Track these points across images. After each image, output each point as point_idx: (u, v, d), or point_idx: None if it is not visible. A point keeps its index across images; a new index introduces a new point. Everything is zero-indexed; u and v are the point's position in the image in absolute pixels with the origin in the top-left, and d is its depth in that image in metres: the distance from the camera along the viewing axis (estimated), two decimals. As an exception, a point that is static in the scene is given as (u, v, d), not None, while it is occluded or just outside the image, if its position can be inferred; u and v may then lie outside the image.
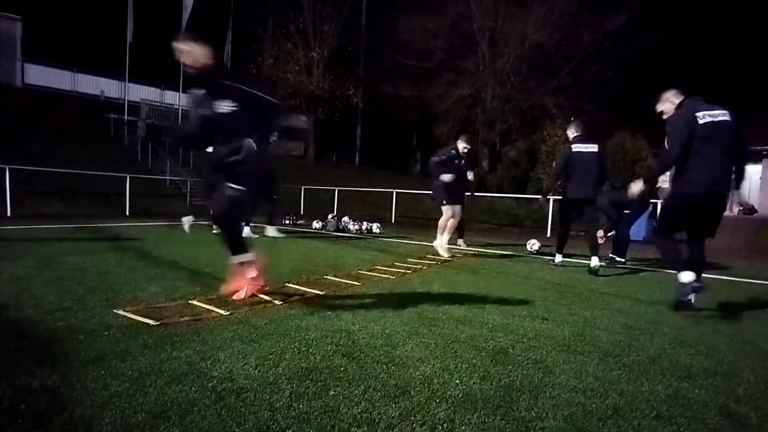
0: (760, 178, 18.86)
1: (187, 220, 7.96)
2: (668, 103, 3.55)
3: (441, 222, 6.01)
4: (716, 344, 2.59)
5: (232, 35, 22.43)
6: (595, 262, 4.95)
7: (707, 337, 2.73)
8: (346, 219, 9.68)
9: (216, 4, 22.49)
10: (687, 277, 3.29)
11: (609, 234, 5.82)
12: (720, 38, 29.33)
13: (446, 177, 5.82)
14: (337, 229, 9.43)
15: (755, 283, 4.94)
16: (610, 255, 5.81)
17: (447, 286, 3.98)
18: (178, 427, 1.45)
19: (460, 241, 8.01)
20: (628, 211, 6.00)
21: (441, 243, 6.00)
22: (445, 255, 5.84)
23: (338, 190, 14.55)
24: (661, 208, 4.21)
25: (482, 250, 7.02)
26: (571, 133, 5.57)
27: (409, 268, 4.83)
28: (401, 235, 8.68)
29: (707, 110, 3.30)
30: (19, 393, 1.63)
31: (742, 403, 1.83)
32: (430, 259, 5.53)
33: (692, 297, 3.31)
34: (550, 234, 10.56)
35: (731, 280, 5.01)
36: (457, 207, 6.13)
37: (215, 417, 1.52)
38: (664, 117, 3.57)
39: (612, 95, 19.66)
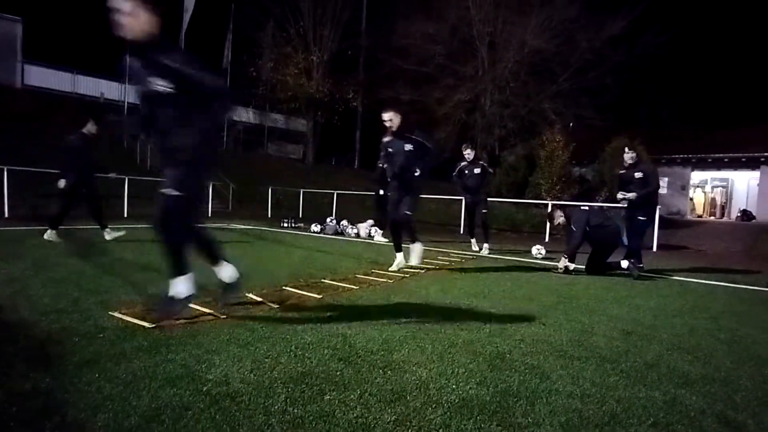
0: (758, 184, 18.86)
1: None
2: (560, 218, 5.72)
3: None
4: (714, 351, 2.58)
5: (232, 38, 22.55)
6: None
7: (705, 343, 2.73)
8: (344, 223, 9.67)
9: (216, 7, 22.61)
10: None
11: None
12: (720, 45, 29.56)
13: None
14: (336, 233, 9.42)
15: (753, 289, 4.94)
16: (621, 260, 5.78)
17: (444, 290, 3.97)
18: (171, 430, 1.44)
19: None
20: (644, 218, 6.05)
21: None
22: None
23: (337, 194, 14.54)
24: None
25: (480, 254, 7.01)
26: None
27: (406, 273, 4.82)
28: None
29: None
30: (12, 395, 1.61)
31: (740, 410, 1.82)
32: (427, 264, 5.51)
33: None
34: (549, 239, 10.56)
35: (729, 287, 5.01)
36: None
37: (209, 421, 1.50)
38: (561, 226, 5.97)
39: (611, 101, 19.76)
